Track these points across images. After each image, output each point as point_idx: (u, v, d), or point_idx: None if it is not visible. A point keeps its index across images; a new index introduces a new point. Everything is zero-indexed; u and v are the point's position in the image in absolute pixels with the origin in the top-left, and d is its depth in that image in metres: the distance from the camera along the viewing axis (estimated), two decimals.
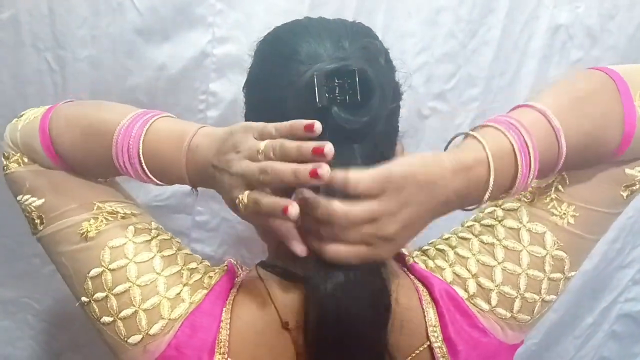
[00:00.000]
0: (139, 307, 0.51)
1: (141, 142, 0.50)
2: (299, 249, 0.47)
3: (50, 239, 0.55)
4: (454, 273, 0.54)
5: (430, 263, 0.56)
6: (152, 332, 0.51)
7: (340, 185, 0.43)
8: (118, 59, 0.81)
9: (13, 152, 0.57)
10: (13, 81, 0.82)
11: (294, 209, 0.43)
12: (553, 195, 0.54)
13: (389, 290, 0.50)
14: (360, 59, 0.48)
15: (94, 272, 0.52)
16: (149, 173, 0.51)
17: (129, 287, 0.52)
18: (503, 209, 0.56)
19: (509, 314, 0.53)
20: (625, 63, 0.55)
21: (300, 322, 0.50)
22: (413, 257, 0.57)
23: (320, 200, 0.44)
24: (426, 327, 0.52)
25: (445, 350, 0.51)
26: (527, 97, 0.53)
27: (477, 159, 0.46)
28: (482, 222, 0.56)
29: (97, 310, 0.53)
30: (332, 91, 0.46)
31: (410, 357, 0.52)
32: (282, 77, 0.49)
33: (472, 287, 0.53)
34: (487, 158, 0.45)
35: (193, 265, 0.56)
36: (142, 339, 0.51)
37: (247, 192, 0.45)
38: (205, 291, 0.53)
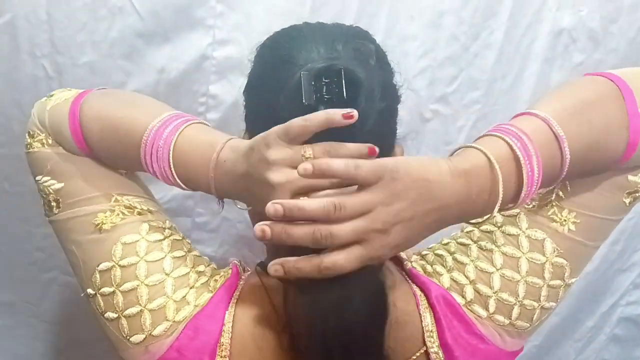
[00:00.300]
0: (144, 307, 0.51)
1: (171, 148, 0.50)
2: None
3: (63, 224, 0.55)
4: (452, 279, 0.54)
5: (429, 268, 0.56)
6: (155, 333, 0.51)
7: (343, 173, 0.43)
8: (117, 63, 0.80)
9: (39, 132, 0.56)
10: (8, 88, 0.81)
11: None
12: (554, 202, 0.54)
13: (385, 292, 0.49)
14: (349, 59, 0.48)
15: (104, 265, 0.53)
16: (177, 179, 0.51)
17: (137, 285, 0.52)
18: (502, 215, 0.55)
19: (507, 321, 0.53)
20: (626, 65, 0.54)
21: (299, 324, 0.50)
22: (411, 262, 0.57)
23: (312, 200, 0.44)
24: (423, 332, 0.52)
25: (442, 356, 0.51)
26: (529, 104, 0.52)
27: (475, 165, 0.45)
28: (481, 227, 0.56)
29: (102, 304, 0.53)
30: (320, 90, 0.46)
31: None
32: (278, 81, 0.49)
33: (469, 293, 0.53)
34: (490, 162, 0.45)
35: (201, 268, 0.56)
36: (144, 338, 0.51)
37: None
38: (210, 295, 0.53)
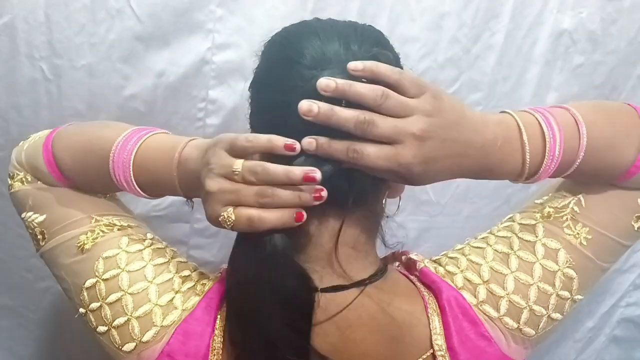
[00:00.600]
0: (131, 315, 0.52)
1: (132, 156, 0.52)
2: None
3: (51, 253, 0.57)
4: (465, 278, 0.55)
5: (441, 269, 0.56)
6: (144, 339, 0.52)
7: (390, 75, 0.45)
8: (116, 66, 0.80)
9: (17, 172, 0.59)
10: (6, 91, 0.80)
11: (304, 215, 0.45)
12: (569, 215, 0.55)
13: (309, 279, 0.49)
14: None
15: (89, 282, 0.54)
16: (137, 188, 0.53)
17: (121, 295, 0.52)
18: (520, 224, 0.57)
19: (515, 325, 0.53)
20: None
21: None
22: (424, 263, 0.57)
23: (365, 85, 0.45)
24: (430, 335, 0.52)
25: (448, 359, 0.51)
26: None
27: (503, 120, 0.50)
28: (497, 234, 0.57)
29: (93, 320, 0.54)
30: (338, 101, 0.45)
31: None
32: (287, 80, 0.48)
33: (482, 293, 0.54)
34: (516, 122, 0.49)
35: (186, 272, 0.56)
36: (135, 346, 0.52)
37: (231, 209, 0.45)
38: (198, 298, 0.53)
